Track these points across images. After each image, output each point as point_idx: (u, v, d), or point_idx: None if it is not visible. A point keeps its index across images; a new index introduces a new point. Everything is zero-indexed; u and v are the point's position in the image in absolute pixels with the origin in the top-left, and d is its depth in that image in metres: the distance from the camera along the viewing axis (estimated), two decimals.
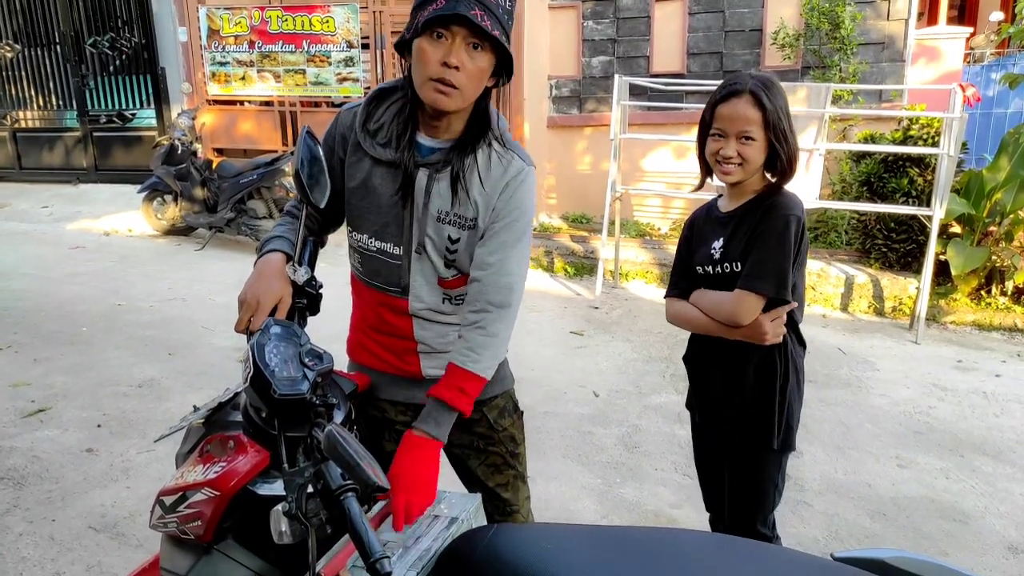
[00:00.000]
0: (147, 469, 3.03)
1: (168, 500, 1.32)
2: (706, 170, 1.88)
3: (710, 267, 1.84)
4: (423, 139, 1.47)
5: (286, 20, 7.44)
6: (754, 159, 1.74)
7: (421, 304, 1.53)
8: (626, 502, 2.96)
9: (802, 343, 1.87)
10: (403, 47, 1.42)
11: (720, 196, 1.93)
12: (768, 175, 1.81)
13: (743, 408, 1.82)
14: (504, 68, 1.41)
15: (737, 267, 1.78)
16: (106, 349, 4.32)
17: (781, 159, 1.75)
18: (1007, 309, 5.52)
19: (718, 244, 1.83)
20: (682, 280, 1.95)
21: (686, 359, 2.02)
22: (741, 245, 1.77)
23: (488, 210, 1.46)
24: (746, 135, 1.72)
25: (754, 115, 1.71)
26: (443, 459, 1.71)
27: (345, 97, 7.53)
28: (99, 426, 3.39)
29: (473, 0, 1.29)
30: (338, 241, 1.81)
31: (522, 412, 1.73)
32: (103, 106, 9.04)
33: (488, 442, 1.65)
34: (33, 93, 9.28)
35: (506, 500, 1.68)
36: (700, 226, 1.93)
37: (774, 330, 1.76)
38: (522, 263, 1.49)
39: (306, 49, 7.47)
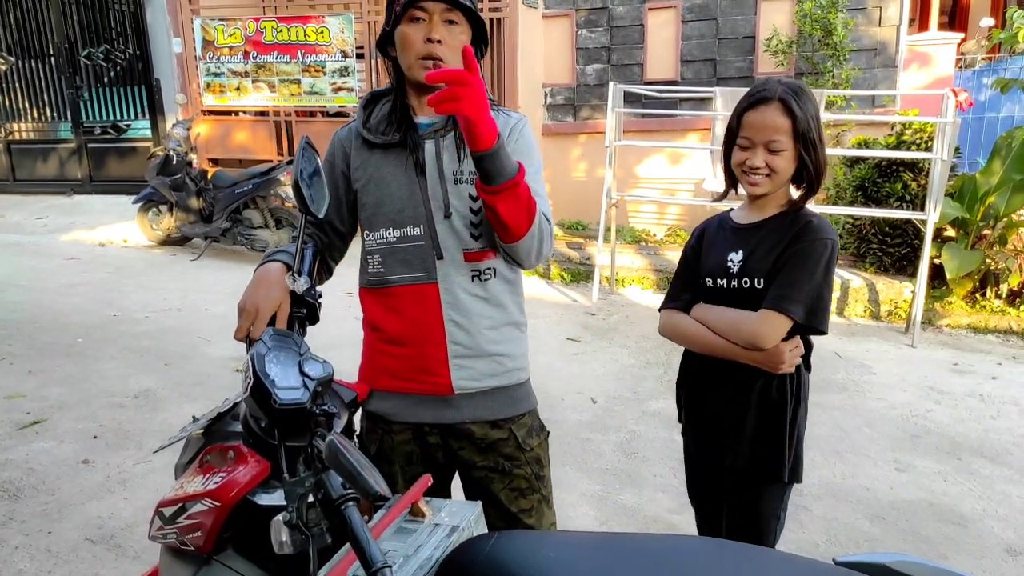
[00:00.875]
0: (144, 480, 3.01)
1: (167, 511, 1.31)
2: (731, 181, 1.77)
3: (724, 280, 1.72)
4: (421, 118, 1.54)
5: (281, 31, 7.46)
6: (783, 170, 1.64)
7: (450, 284, 1.51)
8: (625, 508, 2.96)
9: (808, 367, 1.77)
10: (384, 43, 1.53)
11: (732, 209, 1.83)
12: (792, 187, 1.71)
13: (748, 437, 1.71)
14: (479, 40, 1.52)
15: (759, 284, 1.66)
16: (101, 360, 4.31)
17: (808, 170, 1.64)
18: (1002, 312, 5.55)
19: (736, 257, 1.71)
20: (684, 292, 1.82)
21: (680, 383, 1.89)
22: (767, 262, 1.66)
23: None
24: (774, 144, 1.62)
25: (783, 123, 1.61)
26: (457, 483, 1.68)
27: (340, 106, 7.54)
28: (95, 437, 3.37)
29: None
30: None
31: (548, 432, 1.68)
32: (97, 117, 9.04)
33: (514, 463, 1.58)
34: (27, 105, 9.28)
35: (529, 527, 1.60)
36: (712, 236, 1.80)
37: (791, 360, 1.66)
38: (545, 197, 1.50)
39: (301, 59, 7.48)
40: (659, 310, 1.89)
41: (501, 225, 1.39)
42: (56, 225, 7.96)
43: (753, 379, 1.69)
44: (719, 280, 1.73)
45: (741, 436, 1.72)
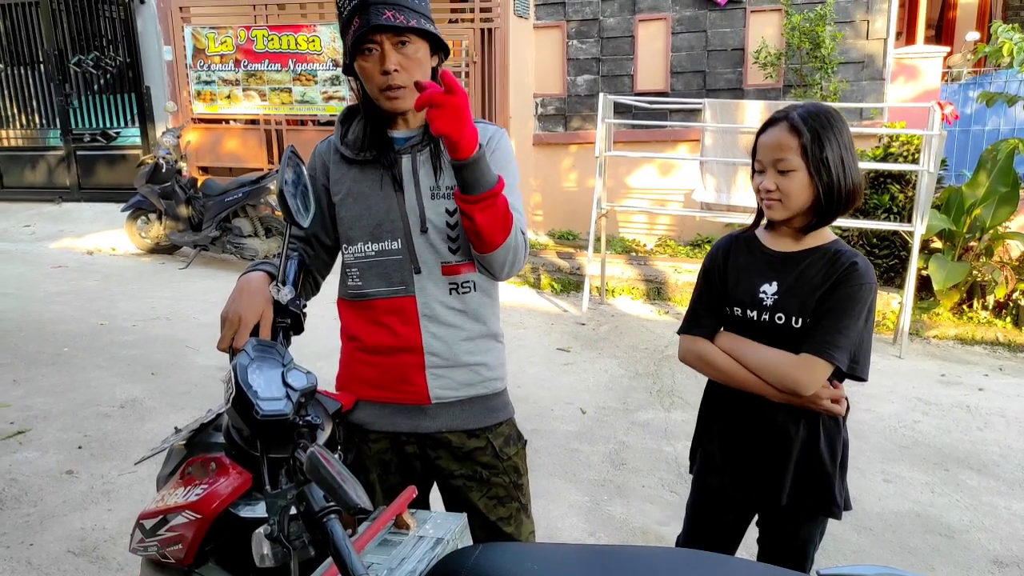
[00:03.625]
0: (129, 491, 2.98)
1: (148, 523, 1.30)
2: (759, 210, 1.69)
3: (755, 312, 1.64)
4: (396, 133, 1.55)
5: (272, 39, 7.46)
6: (794, 193, 1.57)
7: (428, 297, 1.51)
8: (613, 519, 2.95)
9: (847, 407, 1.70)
10: (350, 70, 1.52)
11: (754, 227, 1.74)
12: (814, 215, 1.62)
13: (800, 475, 1.65)
14: (439, 49, 1.51)
15: (796, 323, 1.59)
16: (88, 369, 4.27)
17: (818, 190, 1.55)
18: (989, 323, 5.59)
19: (769, 289, 1.63)
20: (710, 317, 1.72)
21: (709, 422, 1.79)
22: (808, 301, 1.59)
23: None
24: (782, 164, 1.56)
25: (789, 142, 1.55)
26: (436, 494, 1.68)
27: (331, 115, 7.54)
28: (80, 448, 3.34)
29: (382, 5, 1.39)
30: None
31: (526, 441, 1.68)
32: (87, 125, 9.00)
33: (492, 472, 1.59)
34: (16, 112, 9.23)
35: (508, 535, 1.60)
36: (741, 260, 1.70)
37: (828, 407, 1.61)
38: (521, 210, 1.51)
39: (292, 68, 7.48)
40: (679, 333, 1.78)
41: (477, 235, 1.40)
42: (44, 233, 7.90)
43: (799, 416, 1.63)
44: (749, 311, 1.65)
45: (788, 474, 1.64)
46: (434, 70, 1.51)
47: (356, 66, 1.47)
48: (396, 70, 1.42)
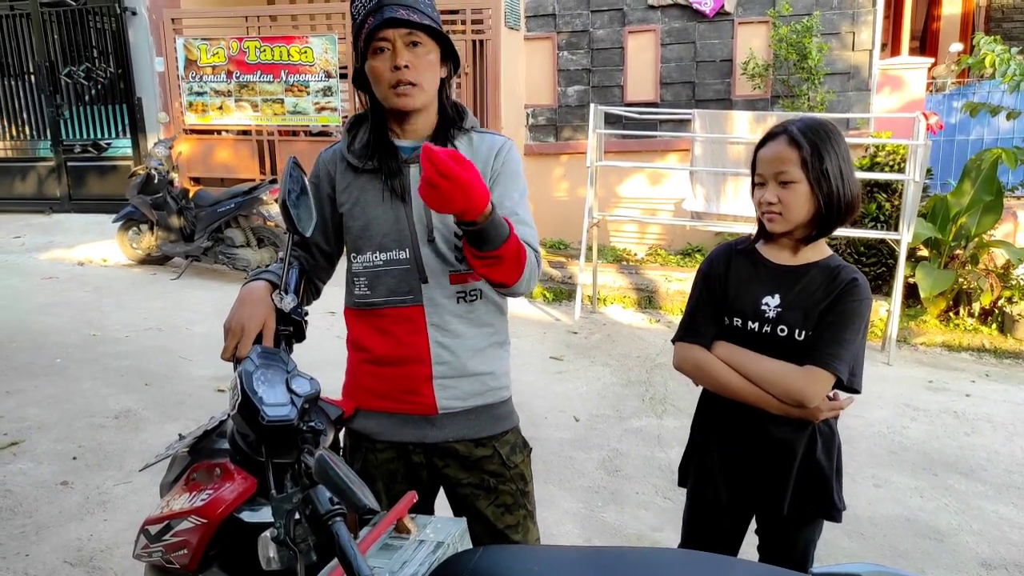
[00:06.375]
0: (124, 501, 2.98)
1: (153, 529, 1.32)
2: (760, 224, 1.70)
3: (756, 324, 1.66)
4: (403, 142, 1.56)
5: (264, 51, 7.49)
6: (796, 205, 1.59)
7: (436, 306, 1.53)
8: (608, 526, 2.98)
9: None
10: (359, 80, 1.54)
11: (751, 237, 1.76)
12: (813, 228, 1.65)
13: (798, 482, 1.67)
14: (449, 56, 1.53)
15: (798, 335, 1.62)
16: (81, 380, 4.26)
17: (819, 202, 1.58)
18: (975, 330, 5.66)
19: (772, 301, 1.65)
20: (708, 326, 1.72)
21: (704, 432, 1.80)
22: (811, 314, 1.62)
23: (486, 180, 1.53)
24: (783, 177, 1.59)
25: (789, 155, 1.58)
26: (442, 502, 1.69)
27: (323, 126, 7.57)
28: (74, 458, 3.33)
29: (396, 4, 1.42)
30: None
31: (531, 449, 1.70)
32: (78, 135, 8.98)
33: (499, 480, 1.61)
34: (6, 123, 9.20)
35: (515, 543, 1.62)
36: (742, 271, 1.71)
37: (828, 416, 1.65)
38: (532, 224, 1.54)
39: (284, 79, 7.51)
40: (673, 341, 1.80)
41: (490, 281, 1.45)
42: (34, 244, 7.87)
43: (795, 425, 1.65)
44: (751, 323, 1.66)
45: (789, 483, 1.67)
46: (443, 81, 1.54)
47: (367, 68, 1.48)
48: (407, 66, 1.44)
